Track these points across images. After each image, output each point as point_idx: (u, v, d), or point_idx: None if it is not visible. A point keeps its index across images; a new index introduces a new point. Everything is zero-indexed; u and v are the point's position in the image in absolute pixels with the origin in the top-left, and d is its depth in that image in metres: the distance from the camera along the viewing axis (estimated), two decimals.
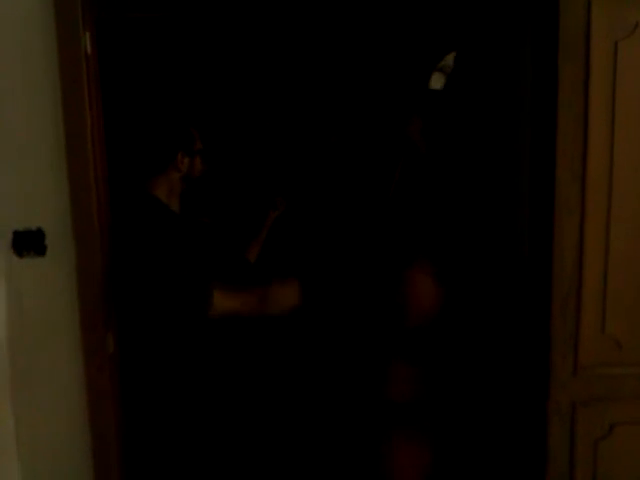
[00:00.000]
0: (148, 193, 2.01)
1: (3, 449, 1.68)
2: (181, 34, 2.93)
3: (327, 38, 3.00)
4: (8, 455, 1.71)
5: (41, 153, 1.61)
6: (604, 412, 1.81)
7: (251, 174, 3.20)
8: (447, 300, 2.33)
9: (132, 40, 2.73)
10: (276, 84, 3.15)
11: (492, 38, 2.52)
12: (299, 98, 3.16)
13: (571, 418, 1.81)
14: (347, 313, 2.81)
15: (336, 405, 2.71)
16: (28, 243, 1.64)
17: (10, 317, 1.67)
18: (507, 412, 2.22)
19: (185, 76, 3.03)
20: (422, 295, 2.32)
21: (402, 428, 2.38)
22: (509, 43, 2.34)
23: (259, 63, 3.11)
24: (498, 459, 2.29)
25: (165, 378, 2.01)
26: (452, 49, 2.66)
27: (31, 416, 1.73)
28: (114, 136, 1.89)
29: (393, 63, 3.01)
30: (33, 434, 1.74)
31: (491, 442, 2.35)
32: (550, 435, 1.81)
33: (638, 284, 1.77)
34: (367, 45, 3.01)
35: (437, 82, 2.57)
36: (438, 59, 2.65)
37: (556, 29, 1.67)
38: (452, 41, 2.74)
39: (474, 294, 2.46)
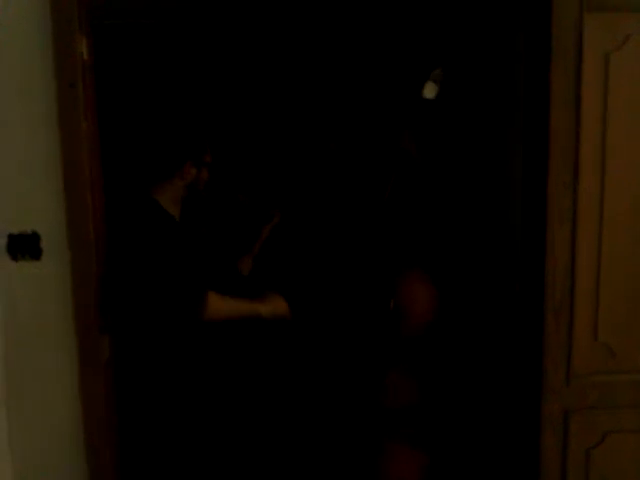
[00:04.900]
0: (151, 198, 2.03)
1: None
2: (180, 43, 2.97)
3: (325, 51, 3.04)
4: (1, 459, 1.70)
5: (36, 157, 1.62)
6: (597, 420, 1.81)
7: (249, 185, 3.21)
8: (442, 308, 2.34)
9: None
10: (271, 93, 3.18)
11: (485, 49, 2.55)
12: (295, 107, 3.19)
13: (564, 426, 1.80)
14: (343, 321, 2.82)
15: (333, 413, 2.71)
16: (23, 247, 1.64)
17: (4, 321, 1.67)
18: (501, 420, 2.22)
19: (196, 86, 3.06)
20: (418, 303, 2.33)
21: (398, 435, 2.38)
22: (502, 54, 2.36)
23: (255, 74, 3.14)
24: (492, 467, 2.28)
25: (160, 382, 2.01)
26: (445, 59, 2.69)
27: (25, 420, 1.73)
28: (125, 141, 1.90)
29: (387, 73, 3.06)
30: (27, 438, 1.74)
31: (485, 450, 2.35)
32: (543, 443, 1.81)
33: (630, 292, 1.78)
34: (363, 55, 3.05)
35: (430, 92, 2.59)
36: (431, 68, 2.68)
37: (549, 41, 1.69)
38: (445, 51, 2.78)
39: (468, 303, 2.47)
